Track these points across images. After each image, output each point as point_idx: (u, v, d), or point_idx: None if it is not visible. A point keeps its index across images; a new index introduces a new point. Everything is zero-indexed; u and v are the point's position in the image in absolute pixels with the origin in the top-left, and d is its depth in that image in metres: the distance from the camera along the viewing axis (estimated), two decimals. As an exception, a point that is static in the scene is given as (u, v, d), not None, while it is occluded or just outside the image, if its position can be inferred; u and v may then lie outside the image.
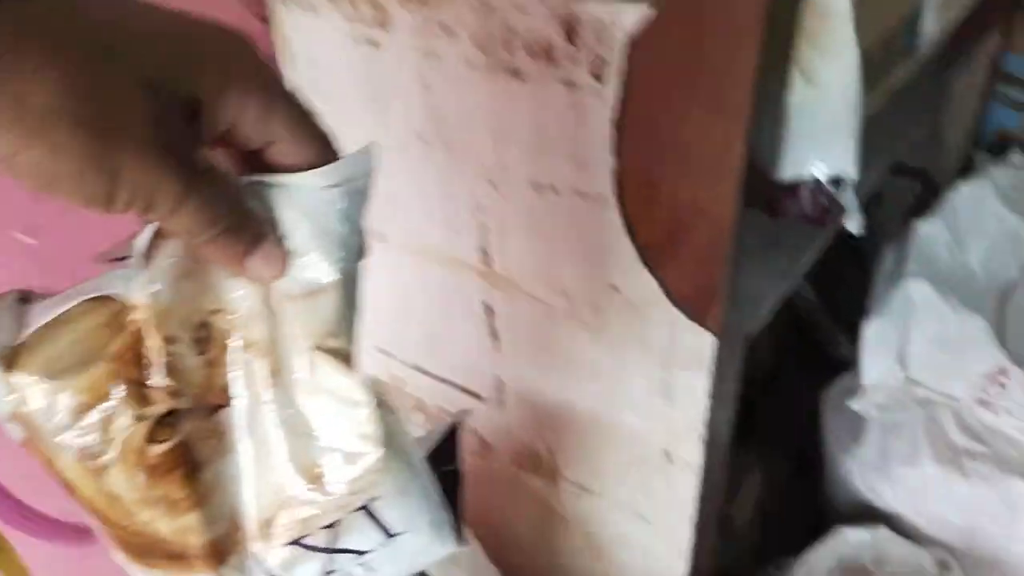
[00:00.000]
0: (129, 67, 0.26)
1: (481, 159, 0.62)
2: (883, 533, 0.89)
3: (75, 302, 0.30)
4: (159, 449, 0.31)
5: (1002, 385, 0.85)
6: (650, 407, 0.64)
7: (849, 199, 0.51)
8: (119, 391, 0.30)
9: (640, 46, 0.48)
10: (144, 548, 0.33)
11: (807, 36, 0.48)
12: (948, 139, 1.14)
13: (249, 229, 0.30)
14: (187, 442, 0.31)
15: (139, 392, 0.30)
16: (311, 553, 0.34)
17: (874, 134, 0.74)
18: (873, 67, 0.67)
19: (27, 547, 0.71)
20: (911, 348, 0.87)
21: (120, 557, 0.34)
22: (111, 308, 0.30)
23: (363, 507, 0.34)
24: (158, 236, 0.31)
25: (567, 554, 0.83)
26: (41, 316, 0.30)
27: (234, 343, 0.32)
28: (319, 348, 0.32)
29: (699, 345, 0.57)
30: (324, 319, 0.32)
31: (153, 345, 0.30)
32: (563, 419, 0.73)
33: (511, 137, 0.59)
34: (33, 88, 0.25)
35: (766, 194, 0.54)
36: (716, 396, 0.59)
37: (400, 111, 0.64)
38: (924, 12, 0.62)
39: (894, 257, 0.98)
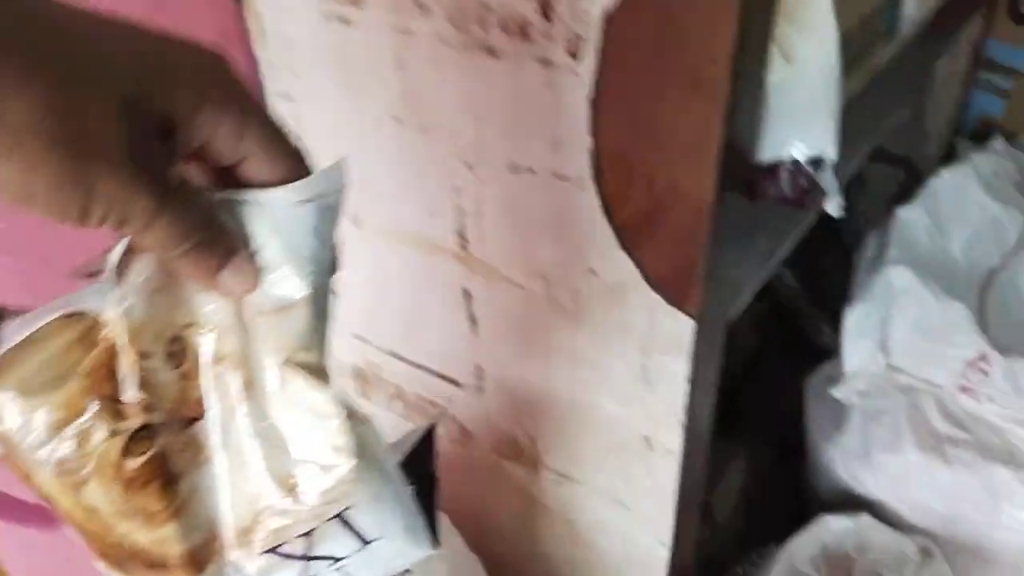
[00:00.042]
0: (106, 86, 0.27)
1: (456, 140, 0.61)
2: (865, 520, 0.89)
3: (48, 319, 0.31)
4: (135, 462, 0.31)
5: (984, 372, 0.85)
6: (629, 393, 0.63)
7: (829, 180, 0.51)
8: (94, 407, 0.31)
9: (616, 22, 0.47)
10: (124, 558, 0.33)
11: (785, 12, 0.47)
12: (930, 126, 1.14)
13: (221, 244, 0.31)
14: (163, 454, 0.32)
15: (113, 407, 0.31)
16: (288, 561, 0.35)
17: (855, 117, 0.73)
18: (853, 48, 0.66)
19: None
20: (893, 335, 0.87)
21: (101, 565, 0.34)
22: (84, 324, 0.31)
23: (338, 515, 0.35)
24: (131, 251, 0.31)
25: (548, 541, 0.82)
26: (15, 334, 0.30)
27: (207, 357, 0.32)
28: (290, 362, 0.32)
29: (678, 329, 0.56)
30: (295, 333, 0.32)
31: (126, 360, 0.31)
32: (543, 406, 0.72)
33: (487, 117, 0.58)
34: (11, 106, 0.25)
35: (745, 176, 0.53)
36: (696, 381, 0.59)
37: (373, 91, 0.63)
38: (906, -7, 0.61)
39: (876, 244, 0.98)
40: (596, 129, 0.52)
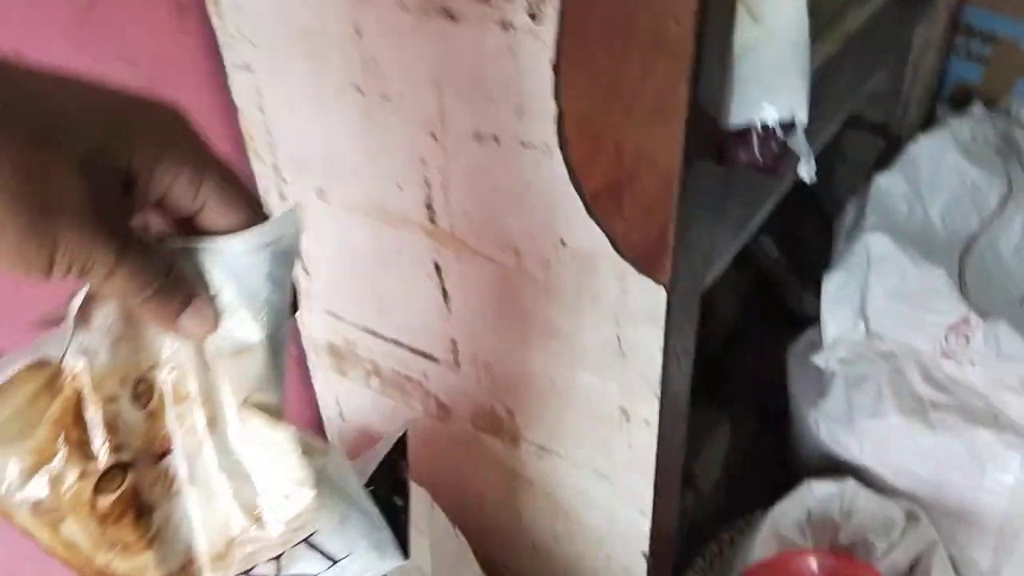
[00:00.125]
0: (68, 146, 0.28)
1: (420, 110, 0.59)
2: (851, 485, 0.89)
3: (13, 370, 0.32)
4: (108, 499, 0.33)
5: (965, 337, 0.84)
6: (604, 364, 0.62)
7: (801, 144, 0.49)
8: (63, 451, 0.32)
9: (578, -18, 0.46)
10: None
11: (752, -32, 0.45)
12: (909, 93, 1.13)
13: (180, 290, 0.32)
14: (135, 489, 0.33)
15: (83, 450, 0.32)
16: None
17: (831, 83, 0.72)
18: (826, 10, 0.64)
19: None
20: (872, 302, 0.86)
21: None
22: (48, 372, 0.32)
23: (305, 540, 0.36)
24: (92, 298, 0.32)
25: (530, 514, 0.82)
26: None
27: (171, 396, 0.34)
28: (248, 402, 0.34)
29: (651, 299, 0.55)
30: (251, 375, 0.34)
31: (92, 406, 0.32)
32: (519, 379, 0.71)
33: (449, 85, 0.56)
34: None
35: (715, 141, 0.51)
36: (670, 352, 0.58)
37: (333, 60, 0.61)
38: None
39: (855, 212, 0.97)
40: (560, 94, 0.50)
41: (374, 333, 0.80)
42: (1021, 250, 1.03)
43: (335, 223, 0.73)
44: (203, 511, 0.35)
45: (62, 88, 0.30)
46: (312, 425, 0.98)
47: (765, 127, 0.49)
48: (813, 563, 0.81)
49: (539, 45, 0.49)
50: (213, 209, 0.32)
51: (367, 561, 0.38)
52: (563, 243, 0.58)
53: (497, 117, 0.55)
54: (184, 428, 0.34)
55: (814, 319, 0.95)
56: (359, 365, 0.85)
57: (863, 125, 1.15)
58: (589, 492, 0.73)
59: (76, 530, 0.33)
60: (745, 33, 0.48)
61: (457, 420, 0.80)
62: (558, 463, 0.73)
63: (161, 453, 0.34)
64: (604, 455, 0.68)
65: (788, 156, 0.51)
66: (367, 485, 0.42)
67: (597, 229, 0.55)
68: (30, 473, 0.32)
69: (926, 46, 1.08)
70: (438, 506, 0.80)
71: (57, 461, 0.32)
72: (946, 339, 0.85)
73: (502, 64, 0.52)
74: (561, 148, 0.53)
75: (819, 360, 0.89)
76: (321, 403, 0.95)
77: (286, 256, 0.34)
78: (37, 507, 0.33)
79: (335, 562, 0.37)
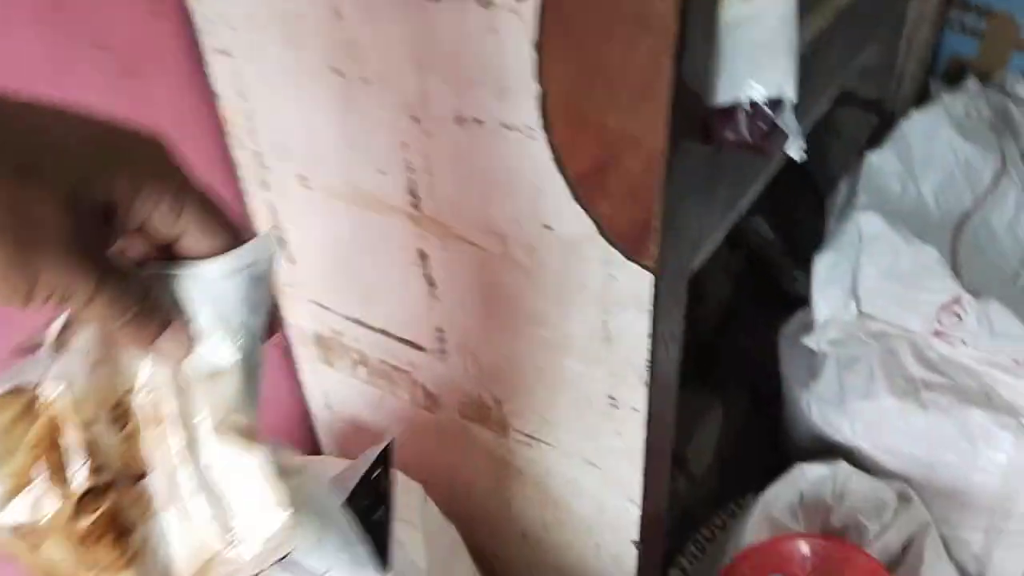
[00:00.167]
0: (51, 181, 0.29)
1: (401, 92, 0.57)
2: (843, 467, 0.88)
3: None
4: (87, 520, 0.33)
5: (957, 316, 0.83)
6: (591, 351, 0.61)
7: (789, 122, 0.48)
8: (42, 475, 0.33)
9: (557, -43, 0.44)
10: None
11: (737, -59, 0.44)
12: (902, 68, 1.11)
13: (157, 315, 0.33)
14: (114, 510, 0.34)
15: (61, 473, 0.33)
16: None
17: (821, 58, 0.70)
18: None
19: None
20: (863, 282, 0.85)
21: None
22: (25, 398, 0.33)
23: (283, 558, 0.37)
24: (70, 324, 0.33)
25: (519, 504, 0.81)
26: None
27: (148, 419, 0.35)
28: (223, 424, 0.35)
29: (637, 284, 0.54)
30: (226, 397, 0.35)
31: (70, 431, 0.33)
32: (507, 367, 0.70)
33: (429, 66, 0.54)
34: None
35: (702, 120, 0.50)
36: (658, 337, 0.57)
37: (311, 42, 0.60)
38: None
39: (847, 190, 0.96)
40: (542, 74, 0.49)
41: (360, 322, 0.78)
42: (1015, 226, 1.02)
43: (318, 211, 0.72)
44: (181, 532, 0.35)
45: (46, 121, 0.31)
46: (299, 417, 0.97)
47: (753, 105, 0.48)
48: (805, 547, 0.81)
49: (520, 24, 0.48)
50: (192, 235, 0.33)
51: (347, 574, 0.39)
52: (548, 228, 0.56)
53: (479, 99, 0.54)
54: (161, 450, 0.35)
55: (808, 299, 0.94)
56: (345, 355, 0.84)
57: (856, 101, 1.14)
58: (578, 480, 0.72)
59: (56, 552, 0.34)
60: (730, 8, 0.46)
61: (445, 409, 0.79)
62: (547, 451, 0.73)
63: (139, 475, 0.35)
64: (593, 443, 0.68)
65: (777, 134, 0.50)
66: (349, 500, 0.43)
67: (582, 213, 0.53)
68: (9, 497, 0.33)
69: (920, 19, 1.06)
70: (431, 500, 0.79)
71: (36, 485, 0.33)
72: (938, 318, 0.84)
73: (483, 44, 0.51)
74: (545, 130, 0.52)
75: (810, 342, 0.89)
76: (308, 394, 0.93)
77: (261, 280, 0.35)
78: (17, 530, 0.33)
79: None
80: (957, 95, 1.07)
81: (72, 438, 0.33)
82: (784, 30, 0.46)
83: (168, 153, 0.33)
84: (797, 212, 1.19)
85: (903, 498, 0.87)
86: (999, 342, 0.81)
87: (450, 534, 0.80)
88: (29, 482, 0.33)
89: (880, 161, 0.95)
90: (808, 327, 0.92)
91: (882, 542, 0.82)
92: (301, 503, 0.35)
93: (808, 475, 0.88)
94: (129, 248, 0.34)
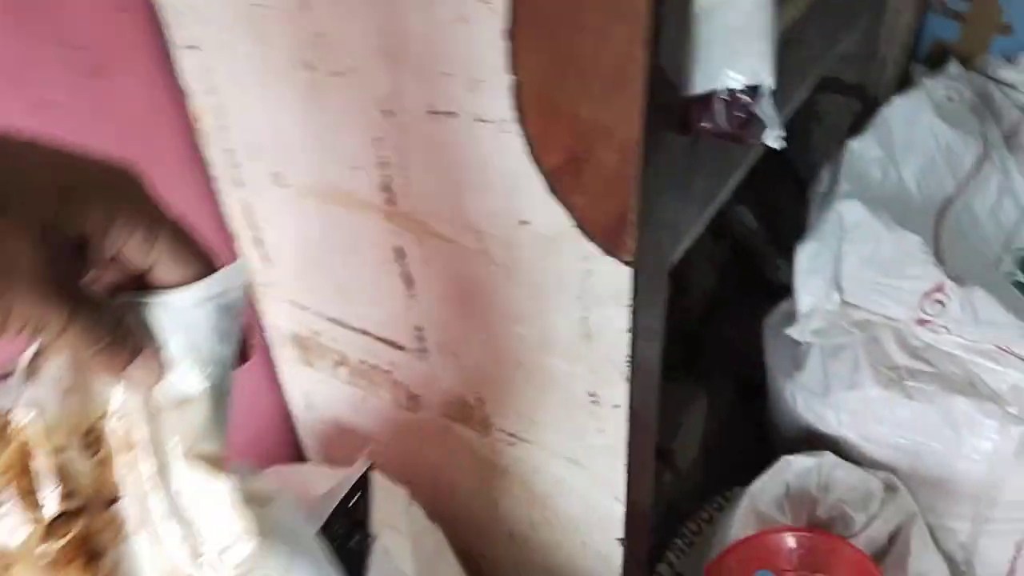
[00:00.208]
0: (24, 216, 0.29)
1: (372, 86, 0.56)
2: (828, 459, 0.87)
3: None
4: (56, 544, 0.33)
5: (941, 303, 0.83)
6: (571, 348, 0.60)
7: (767, 110, 0.47)
8: (12, 500, 0.33)
9: (526, -56, 0.43)
10: None
11: (711, -76, 0.43)
12: (884, 52, 1.10)
13: (129, 343, 0.33)
14: (85, 535, 0.34)
15: (31, 498, 0.33)
16: None
17: (800, 44, 0.69)
18: (794, -33, 0.62)
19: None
20: (846, 271, 0.84)
21: None
22: None
23: None
24: (41, 352, 0.33)
25: (505, 503, 0.80)
26: None
27: (120, 445, 0.35)
28: (191, 452, 0.35)
29: (615, 279, 0.53)
30: (195, 425, 0.35)
31: (41, 457, 0.33)
32: (488, 365, 0.69)
33: (400, 58, 0.53)
34: None
35: (679, 111, 0.49)
36: (639, 333, 0.56)
37: (280, 36, 0.58)
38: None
39: (829, 178, 0.95)
40: (515, 65, 0.48)
41: (338, 322, 0.77)
42: (997, 211, 1.01)
43: (293, 209, 0.70)
44: (152, 556, 0.35)
45: (17, 154, 0.31)
46: (280, 419, 0.95)
47: (730, 93, 0.47)
48: (791, 540, 0.80)
49: (491, 13, 0.46)
50: (164, 265, 0.33)
51: None
52: (525, 223, 0.55)
53: (452, 92, 0.52)
54: (133, 476, 0.35)
55: (791, 288, 0.93)
56: (325, 356, 0.82)
57: (838, 87, 1.13)
58: (563, 479, 0.71)
59: (26, 575, 0.34)
60: (706, -5, 0.45)
61: (427, 409, 0.77)
62: (531, 450, 0.71)
63: (111, 500, 0.35)
64: (576, 441, 0.67)
65: (755, 123, 0.49)
66: (325, 527, 0.43)
67: (558, 207, 0.52)
68: None
69: (902, 3, 1.05)
70: (416, 503, 0.78)
71: (6, 510, 0.33)
72: (922, 306, 0.83)
73: (454, 34, 0.49)
74: (518, 122, 0.50)
75: (794, 332, 0.88)
76: (288, 396, 0.92)
77: (231, 309, 0.35)
78: None
79: None
80: (939, 80, 1.06)
81: (43, 464, 0.33)
82: (759, 15, 0.45)
83: (140, 184, 0.33)
84: (780, 200, 1.18)
85: (889, 488, 0.86)
86: (983, 329, 0.80)
87: (435, 536, 0.79)
88: None
89: (862, 148, 0.94)
90: (792, 317, 0.92)
91: (869, 533, 0.82)
92: (270, 530, 0.35)
93: (794, 467, 0.87)
94: (101, 276, 0.34)
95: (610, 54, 0.43)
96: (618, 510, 0.69)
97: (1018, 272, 0.98)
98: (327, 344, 0.81)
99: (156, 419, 0.35)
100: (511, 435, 0.72)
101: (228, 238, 0.79)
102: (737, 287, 1.25)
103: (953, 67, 1.11)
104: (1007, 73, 1.10)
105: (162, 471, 0.35)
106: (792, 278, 0.90)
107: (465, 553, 0.83)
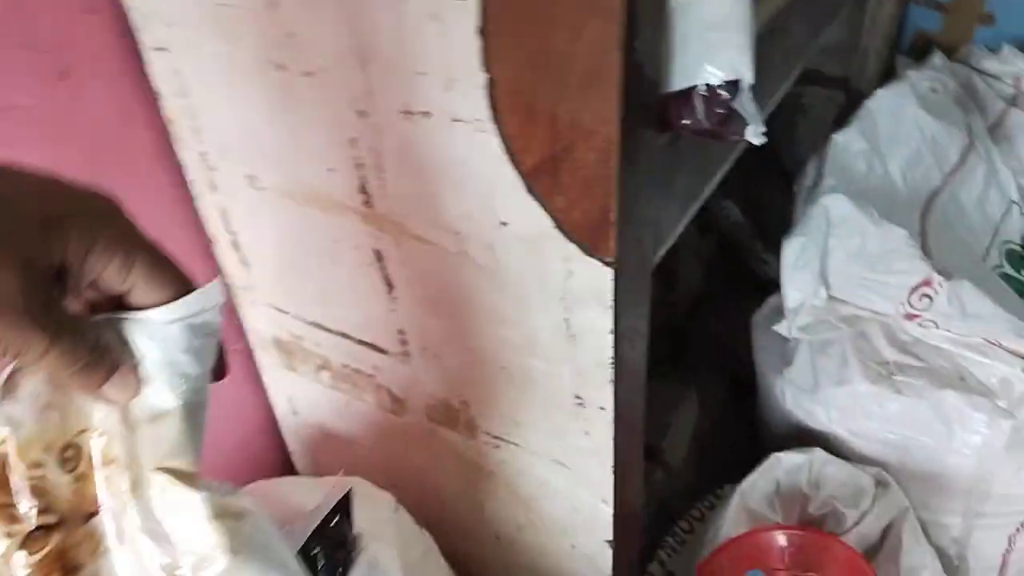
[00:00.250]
0: (5, 248, 0.30)
1: (345, 86, 0.55)
2: (818, 455, 0.87)
3: None
4: (32, 559, 0.34)
5: (928, 297, 0.82)
6: (555, 350, 0.59)
7: (747, 105, 0.46)
8: None
9: (497, -62, 0.42)
10: None
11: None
12: (868, 44, 1.10)
13: (106, 361, 0.34)
14: (62, 549, 0.34)
15: (8, 513, 0.33)
16: None
17: (783, 36, 0.68)
18: (774, -42, 0.61)
19: None
20: (832, 266, 0.83)
21: None
22: None
23: None
24: (18, 370, 0.34)
25: (492, 506, 0.79)
26: None
27: (97, 459, 0.35)
28: (165, 467, 0.36)
29: (597, 280, 0.52)
30: (168, 441, 0.36)
31: (17, 473, 0.33)
32: (471, 368, 0.67)
33: (372, 57, 0.52)
34: None
35: (657, 108, 0.48)
36: (623, 334, 0.55)
37: (248, 36, 0.57)
38: None
39: (814, 172, 0.94)
40: (489, 62, 0.47)
41: (320, 326, 0.76)
42: (983, 202, 1.01)
43: (269, 212, 0.69)
44: (129, 571, 0.36)
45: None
46: (265, 424, 0.94)
47: (709, 89, 0.46)
48: (782, 538, 0.79)
49: (463, 9, 0.45)
50: (141, 288, 0.34)
51: None
52: (505, 224, 0.54)
53: (426, 91, 0.51)
54: (111, 490, 0.35)
55: (779, 283, 0.92)
56: (308, 360, 0.81)
57: (822, 79, 1.12)
58: (549, 481, 0.70)
59: None
60: (683, -12, 0.44)
61: (412, 413, 0.76)
62: (517, 453, 0.70)
63: (90, 514, 0.35)
64: (562, 443, 0.65)
65: (735, 118, 0.48)
66: (306, 546, 0.44)
67: (538, 208, 0.51)
68: None
69: (884, -5, 1.05)
70: (403, 507, 0.77)
71: None
72: (909, 301, 0.83)
73: (426, 31, 0.48)
74: (495, 122, 0.49)
75: (781, 328, 0.87)
76: (272, 400, 0.91)
77: (205, 329, 0.36)
78: None
79: None
80: (923, 71, 1.05)
81: (19, 480, 0.34)
82: (737, 8, 0.44)
83: (118, 211, 0.34)
84: (766, 194, 1.17)
85: (880, 484, 0.86)
86: (971, 323, 0.79)
87: (424, 542, 0.78)
88: None
89: (846, 141, 0.94)
90: (780, 313, 0.91)
91: (860, 529, 0.81)
92: (243, 545, 0.36)
93: (784, 464, 0.86)
94: (80, 297, 0.35)
95: (585, 51, 0.42)
96: (606, 512, 0.68)
97: (1005, 264, 0.97)
98: (309, 348, 0.79)
99: (133, 434, 0.36)
100: (496, 438, 0.71)
101: (205, 242, 0.77)
102: (724, 282, 1.24)
103: (937, 58, 1.10)
104: (990, 64, 1.10)
105: (138, 486, 0.36)
106: (779, 273, 0.89)
107: (453, 556, 0.82)
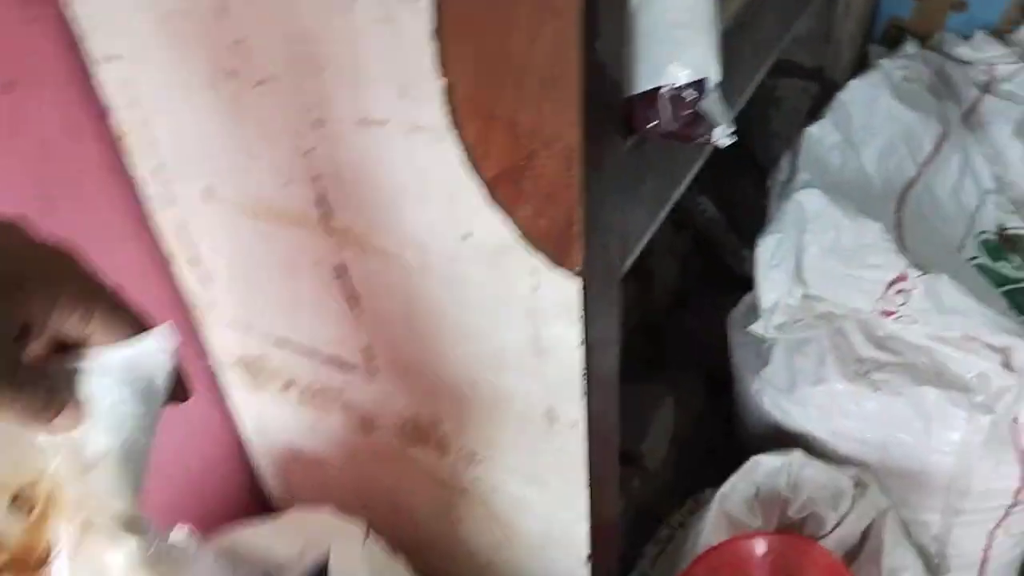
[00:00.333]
0: None
1: (298, 94, 0.52)
2: (797, 457, 0.85)
3: None
4: None
5: (905, 292, 0.81)
6: (524, 365, 0.57)
7: (714, 106, 0.44)
8: None
9: (447, -63, 0.39)
10: None
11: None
12: (841, 33, 1.08)
13: (56, 402, 0.35)
14: None
15: None
16: None
17: (753, 30, 0.67)
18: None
19: None
20: (808, 262, 0.82)
21: None
22: None
23: None
24: None
25: (467, 524, 0.77)
26: None
27: (50, 507, 0.36)
28: (102, 512, 0.36)
29: (564, 291, 0.50)
30: (108, 482, 0.36)
31: None
32: (440, 385, 0.65)
33: (325, 64, 0.49)
34: None
35: (620, 110, 0.46)
36: (592, 345, 0.53)
37: (199, 44, 0.54)
38: None
39: (788, 166, 0.92)
40: (445, 67, 0.44)
41: (285, 343, 0.73)
42: (958, 192, 1.00)
43: (228, 226, 0.66)
44: None
45: None
46: (231, 445, 0.91)
47: (674, 89, 0.44)
48: (762, 545, 0.78)
49: (417, 11, 0.43)
50: (99, 335, 0.35)
51: None
52: (468, 235, 0.52)
53: (380, 98, 0.49)
54: (58, 538, 0.35)
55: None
56: (274, 378, 0.78)
57: (795, 70, 1.10)
58: (524, 498, 0.68)
59: None
60: (644, -14, 0.42)
61: (382, 431, 0.74)
62: (490, 470, 0.68)
63: (42, 561, 0.36)
64: (534, 459, 0.63)
65: (703, 120, 0.46)
66: None
67: (501, 218, 0.49)
68: None
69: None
70: (375, 535, 0.74)
71: None
72: (885, 296, 0.81)
73: (379, 36, 0.46)
74: (453, 129, 0.47)
75: (757, 328, 0.85)
76: (238, 422, 0.88)
77: (155, 371, 0.37)
78: None
79: None
80: (896, 60, 1.04)
81: None
82: (701, 4, 0.42)
83: (78, 265, 0.35)
84: (741, 188, 1.16)
85: (860, 485, 0.84)
86: (948, 318, 0.78)
87: (396, 568, 0.75)
88: None
89: (820, 133, 0.92)
90: (756, 311, 0.89)
91: (841, 531, 0.79)
92: None
93: (763, 467, 0.84)
94: (40, 342, 0.35)
95: (543, 53, 0.40)
96: (582, 528, 0.66)
97: (981, 255, 0.97)
98: (275, 366, 0.77)
99: (78, 483, 0.36)
100: (469, 455, 0.69)
101: (163, 260, 0.74)
102: (700, 278, 1.23)
103: (909, 46, 1.09)
104: (963, 50, 1.09)
105: (87, 530, 0.36)
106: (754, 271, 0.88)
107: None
